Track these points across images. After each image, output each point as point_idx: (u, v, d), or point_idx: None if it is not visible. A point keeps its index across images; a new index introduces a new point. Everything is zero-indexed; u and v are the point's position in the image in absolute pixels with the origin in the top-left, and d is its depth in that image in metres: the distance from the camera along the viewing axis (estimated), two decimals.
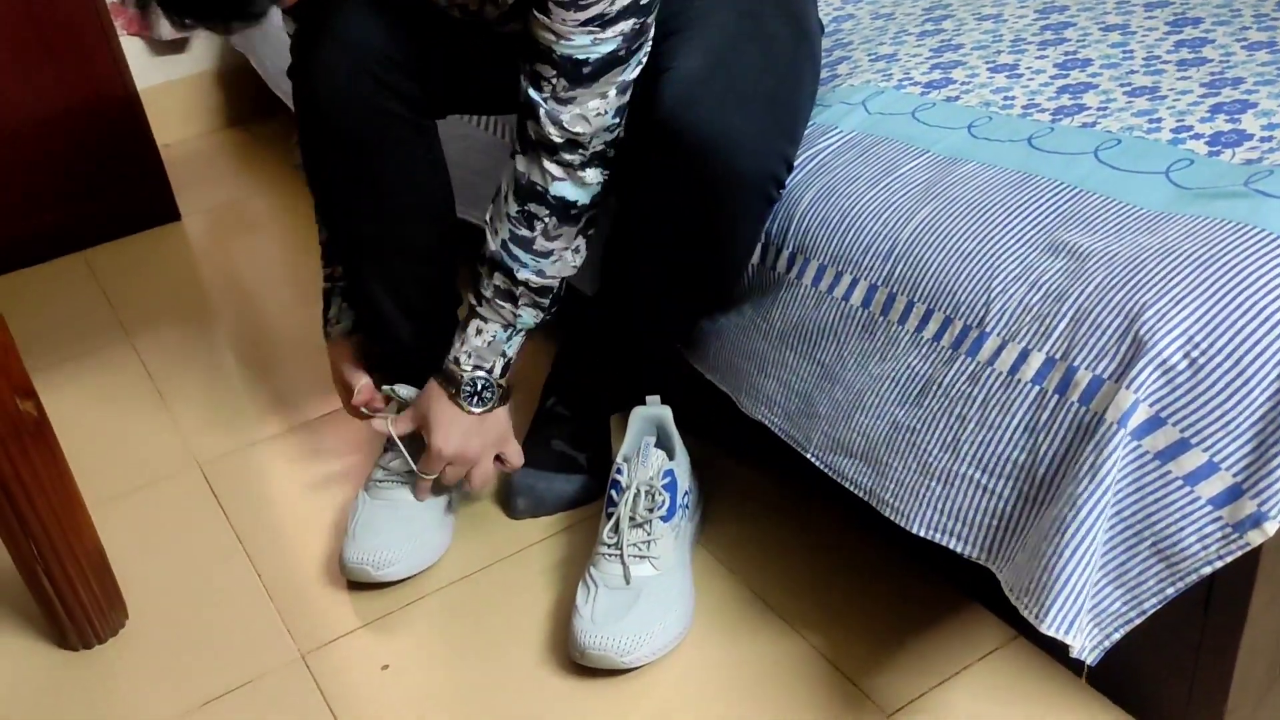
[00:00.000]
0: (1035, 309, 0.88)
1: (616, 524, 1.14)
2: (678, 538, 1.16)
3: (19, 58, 1.81)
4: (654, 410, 1.21)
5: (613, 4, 0.95)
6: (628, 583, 1.11)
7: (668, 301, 1.17)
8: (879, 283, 1.01)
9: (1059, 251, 0.90)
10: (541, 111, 1.01)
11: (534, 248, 1.08)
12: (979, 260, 0.94)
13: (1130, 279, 0.83)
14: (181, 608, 1.22)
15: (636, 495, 1.14)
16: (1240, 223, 0.83)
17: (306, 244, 1.95)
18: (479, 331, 1.12)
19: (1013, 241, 0.93)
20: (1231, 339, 0.77)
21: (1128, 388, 0.80)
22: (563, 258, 1.10)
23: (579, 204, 1.06)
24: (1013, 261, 0.92)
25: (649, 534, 1.14)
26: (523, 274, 1.09)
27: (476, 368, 1.13)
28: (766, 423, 1.12)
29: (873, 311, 1.01)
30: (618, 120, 1.04)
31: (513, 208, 1.07)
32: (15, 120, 1.84)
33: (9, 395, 0.92)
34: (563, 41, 0.97)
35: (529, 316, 1.12)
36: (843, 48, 1.37)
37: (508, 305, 1.11)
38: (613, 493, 1.16)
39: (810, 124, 1.17)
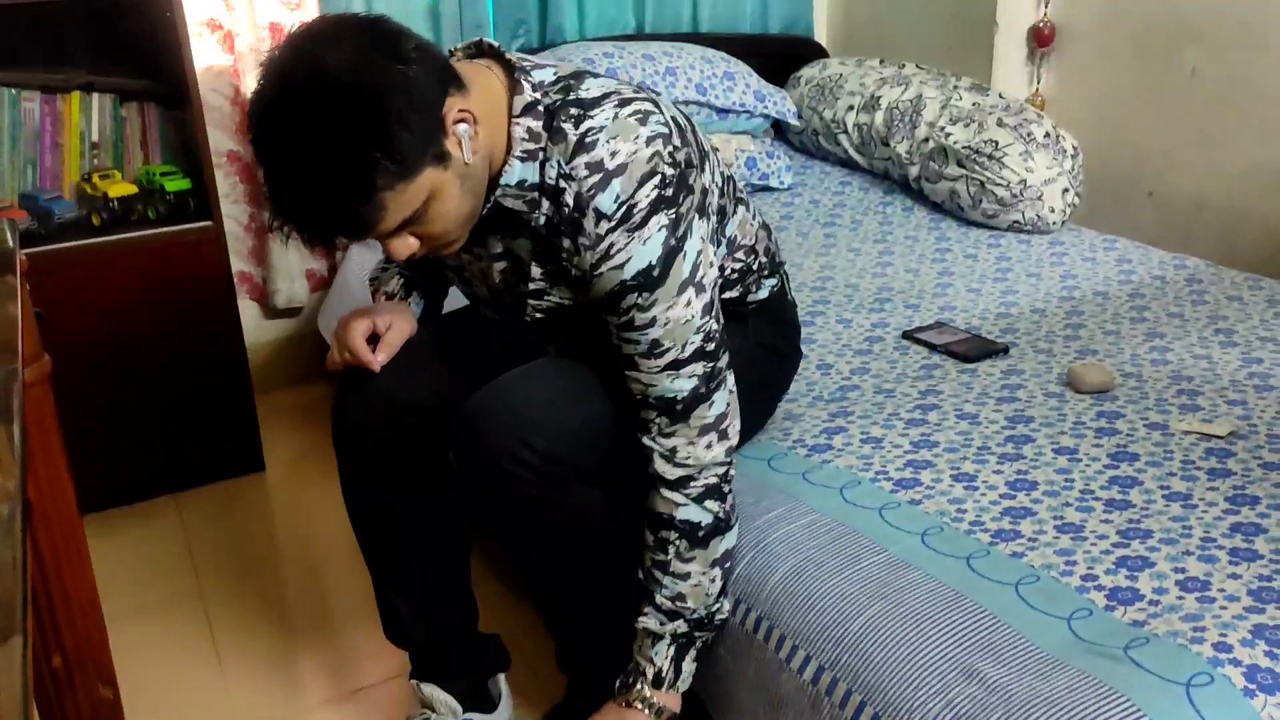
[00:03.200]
0: None
1: None
2: None
3: (154, 322, 2.12)
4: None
5: (683, 350, 1.18)
6: None
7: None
8: (827, 665, 1.17)
9: (972, 678, 1.06)
10: (655, 454, 1.21)
11: (670, 569, 1.24)
12: (910, 668, 1.10)
13: None
14: None
15: None
16: (1113, 689, 0.98)
17: None
18: (656, 651, 1.26)
19: (938, 659, 1.09)
20: None
21: None
22: (700, 583, 1.24)
23: (703, 524, 1.23)
24: (935, 679, 1.08)
25: None
26: (660, 596, 1.24)
27: (655, 686, 1.25)
28: None
29: (820, 690, 1.17)
30: (729, 460, 1.24)
31: (649, 538, 1.25)
32: (138, 373, 2.13)
33: (94, 683, 1.12)
34: (651, 387, 1.20)
35: (696, 631, 1.25)
36: (845, 417, 1.58)
37: (670, 622, 1.25)
38: None
39: (793, 499, 1.36)
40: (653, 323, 1.16)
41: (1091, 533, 1.23)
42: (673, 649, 1.27)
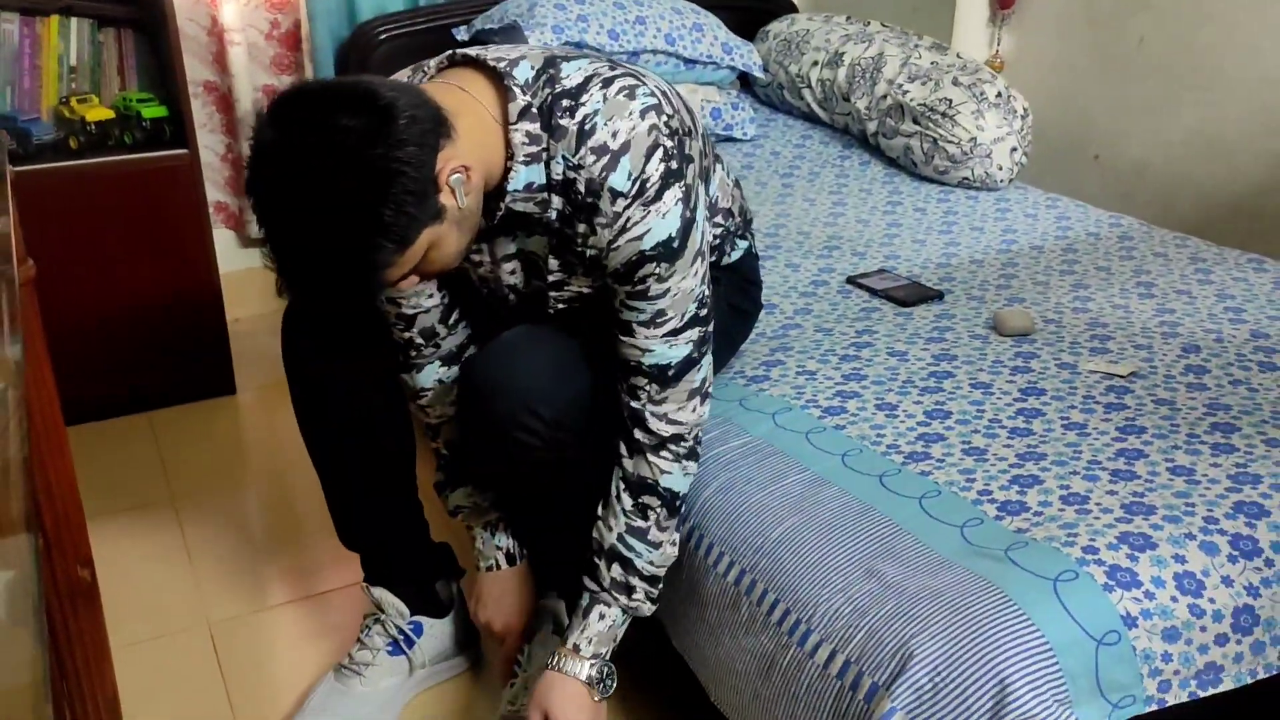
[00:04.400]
0: (846, 619, 1.15)
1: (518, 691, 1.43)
2: None
3: (129, 247, 2.19)
4: (550, 603, 1.49)
5: (682, 319, 1.22)
6: None
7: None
8: (748, 569, 1.28)
9: (872, 576, 1.18)
10: (646, 414, 1.25)
11: (648, 538, 1.28)
12: (818, 570, 1.22)
13: (908, 612, 1.10)
14: None
15: (531, 679, 1.40)
16: (990, 583, 1.10)
17: None
18: (601, 616, 1.29)
19: (844, 562, 1.21)
20: (961, 674, 1.03)
21: (890, 697, 1.06)
22: (665, 550, 1.30)
23: (680, 494, 1.29)
24: (839, 578, 1.19)
25: None
26: (639, 563, 1.28)
27: (596, 655, 1.29)
28: (686, 659, 1.39)
29: (740, 590, 1.28)
30: (708, 415, 1.29)
31: (627, 503, 1.27)
32: (113, 296, 2.20)
33: (72, 564, 1.20)
34: (647, 354, 1.24)
35: (643, 603, 1.31)
36: (784, 352, 1.68)
37: (623, 596, 1.29)
38: (516, 668, 1.45)
39: (728, 423, 1.47)
40: (665, 293, 1.19)
41: (993, 455, 1.34)
42: (628, 620, 1.32)
